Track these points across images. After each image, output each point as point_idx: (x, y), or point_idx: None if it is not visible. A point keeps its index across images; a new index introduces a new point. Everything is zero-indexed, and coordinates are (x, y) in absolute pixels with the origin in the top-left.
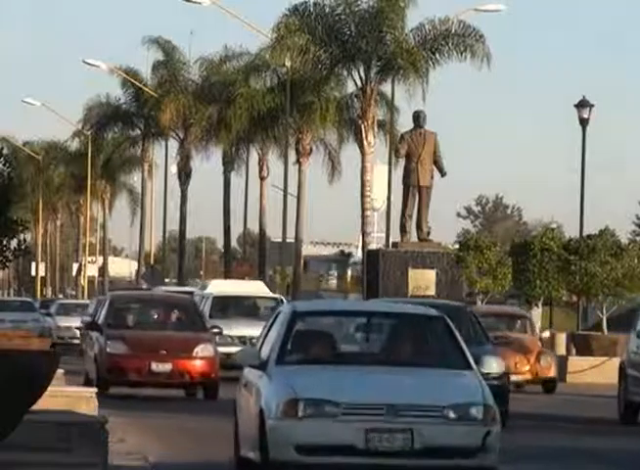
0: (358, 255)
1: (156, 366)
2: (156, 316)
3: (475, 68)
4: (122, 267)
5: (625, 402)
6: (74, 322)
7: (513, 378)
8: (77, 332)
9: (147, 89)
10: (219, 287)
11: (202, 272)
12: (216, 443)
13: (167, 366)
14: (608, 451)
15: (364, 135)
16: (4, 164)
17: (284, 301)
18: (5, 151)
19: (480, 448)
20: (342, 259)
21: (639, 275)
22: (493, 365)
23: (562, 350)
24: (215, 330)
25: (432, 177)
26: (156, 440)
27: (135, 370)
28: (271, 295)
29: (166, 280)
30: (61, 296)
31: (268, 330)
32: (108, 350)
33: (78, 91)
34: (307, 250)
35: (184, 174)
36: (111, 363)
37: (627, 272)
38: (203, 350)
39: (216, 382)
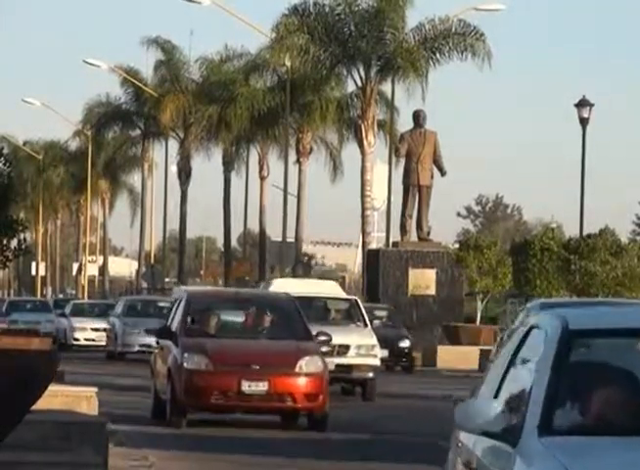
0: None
1: (247, 386)
2: (245, 321)
3: (475, 67)
4: (122, 267)
5: None
6: (90, 323)
7: None
8: (93, 333)
9: (147, 89)
10: (286, 287)
11: (202, 272)
12: (216, 442)
13: (262, 386)
14: None
15: (364, 135)
16: (4, 164)
17: (359, 303)
18: (5, 150)
19: None
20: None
21: (639, 275)
22: None
23: None
24: (322, 338)
25: (432, 177)
26: (156, 440)
27: (220, 391)
28: (345, 296)
29: (167, 280)
30: (61, 295)
31: (510, 359)
32: (185, 365)
33: (78, 91)
34: (307, 249)
35: (184, 174)
36: (189, 383)
37: (627, 272)
38: (308, 364)
39: (325, 408)
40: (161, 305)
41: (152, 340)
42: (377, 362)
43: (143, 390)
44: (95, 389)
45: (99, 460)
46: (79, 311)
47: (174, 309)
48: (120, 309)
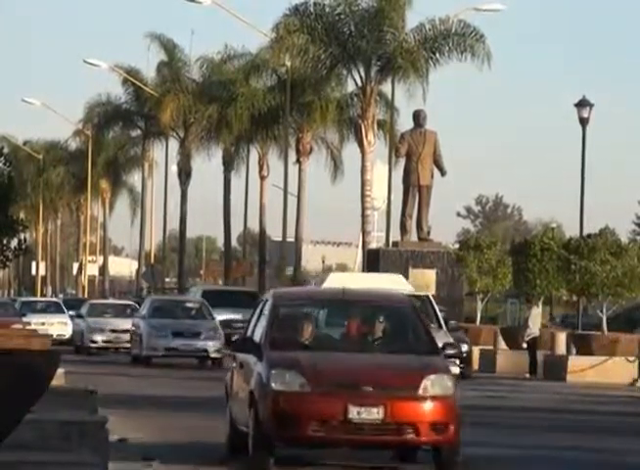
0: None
1: (356, 413)
2: (351, 328)
3: (475, 67)
4: (122, 267)
5: None
6: (108, 324)
7: None
8: (112, 335)
9: (147, 88)
10: (344, 282)
11: (202, 271)
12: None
13: (376, 413)
14: None
15: (364, 135)
16: (4, 164)
17: (432, 300)
18: (5, 150)
19: None
20: None
21: (639, 275)
22: None
23: (562, 349)
24: (451, 350)
25: (432, 177)
26: (156, 440)
27: (321, 420)
28: (415, 292)
29: (167, 279)
30: (61, 295)
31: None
32: (273, 385)
33: (78, 91)
34: (307, 249)
35: (184, 174)
36: (278, 408)
37: (627, 272)
38: (435, 384)
39: (456, 441)
40: (190, 305)
41: (180, 343)
42: (457, 370)
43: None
44: (94, 388)
45: (99, 460)
46: (97, 312)
47: (255, 314)
48: (146, 310)
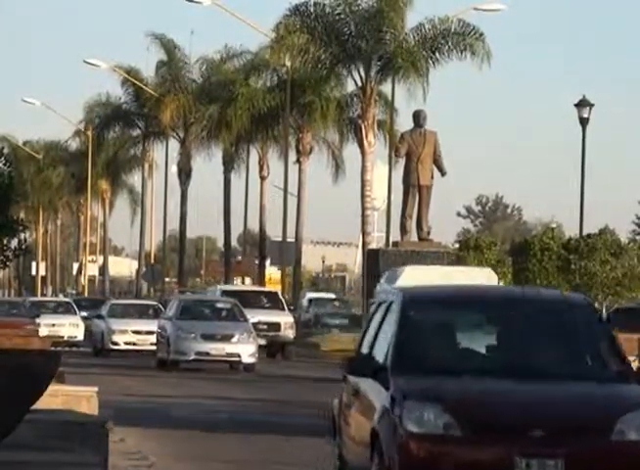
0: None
1: (524, 466)
2: (511, 343)
3: (475, 67)
4: (123, 267)
5: None
6: (130, 325)
7: None
8: (135, 336)
9: (147, 89)
10: (422, 278)
11: (202, 272)
12: (216, 441)
13: (553, 466)
14: None
15: (364, 135)
16: (4, 164)
17: None
18: (5, 150)
19: None
20: None
21: (639, 275)
22: None
23: None
24: None
25: (432, 177)
26: (156, 440)
27: None
28: None
29: (167, 279)
30: (61, 295)
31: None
32: (407, 425)
33: (78, 91)
34: (307, 249)
35: (184, 174)
36: (415, 459)
37: (627, 271)
38: (632, 427)
39: None
40: (221, 306)
41: (210, 346)
42: None
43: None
44: (95, 388)
45: (99, 460)
46: (118, 312)
47: (374, 322)
48: (173, 311)
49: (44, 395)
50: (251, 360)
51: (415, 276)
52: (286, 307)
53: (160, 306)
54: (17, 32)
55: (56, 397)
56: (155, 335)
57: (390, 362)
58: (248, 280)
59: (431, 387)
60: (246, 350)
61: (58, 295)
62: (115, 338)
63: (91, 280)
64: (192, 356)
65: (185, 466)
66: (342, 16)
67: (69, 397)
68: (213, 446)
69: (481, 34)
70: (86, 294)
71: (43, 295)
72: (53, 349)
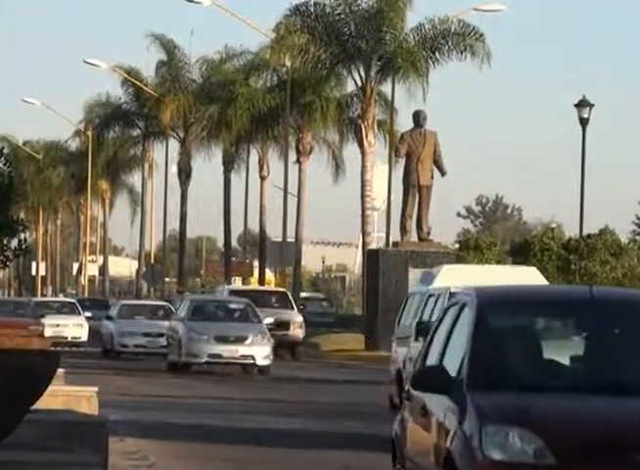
0: None
1: None
2: (604, 354)
3: (475, 67)
4: (122, 267)
5: None
6: (140, 327)
7: None
8: (144, 338)
9: (147, 89)
10: (461, 277)
11: (202, 272)
12: (217, 441)
13: None
14: None
15: (364, 135)
16: (4, 164)
17: None
18: (5, 150)
19: None
20: None
21: (639, 275)
22: None
23: None
24: None
25: (432, 177)
26: (156, 440)
27: None
28: None
29: (167, 279)
30: (61, 295)
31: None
32: (490, 452)
33: (78, 91)
34: (307, 249)
35: (184, 174)
36: None
37: (627, 272)
38: None
39: None
40: (234, 306)
41: (224, 348)
42: None
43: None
44: (95, 388)
45: (99, 460)
46: (128, 313)
47: (442, 328)
48: (185, 312)
49: (44, 395)
50: (266, 363)
51: (454, 276)
52: (295, 307)
53: (171, 307)
54: (17, 32)
55: (56, 397)
56: (165, 337)
57: (466, 375)
58: (239, 281)
59: (516, 405)
60: (260, 351)
61: (58, 295)
62: (125, 340)
63: (91, 280)
64: (204, 359)
65: (185, 466)
66: (343, 16)
67: (69, 397)
68: (214, 446)
69: (481, 35)
70: (86, 294)
71: (43, 295)
72: (54, 349)
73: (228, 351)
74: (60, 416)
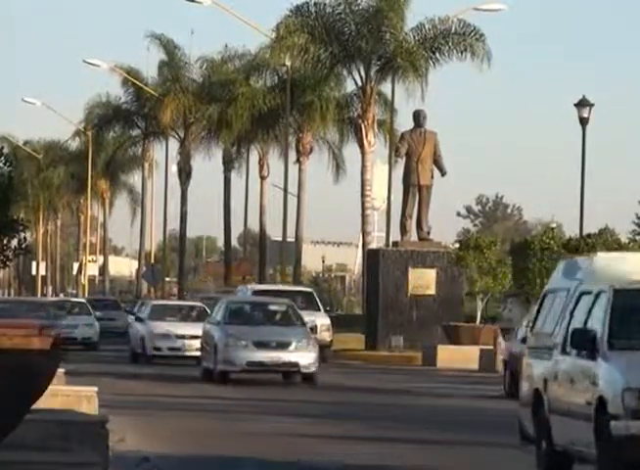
0: None
1: None
2: None
3: (475, 67)
4: (123, 267)
5: None
6: (174, 328)
7: None
8: (179, 341)
9: (147, 88)
10: (623, 267)
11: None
12: (216, 441)
13: None
14: None
15: (364, 135)
16: (4, 164)
17: None
18: (5, 150)
19: None
20: None
21: None
22: None
23: None
24: None
25: (432, 177)
26: (156, 439)
27: None
28: None
29: (167, 279)
30: (61, 295)
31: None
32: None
33: (78, 91)
34: (307, 249)
35: (184, 174)
36: None
37: None
38: None
39: None
40: (275, 308)
41: (264, 355)
42: None
43: None
44: (95, 388)
45: (99, 460)
46: (159, 315)
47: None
48: (221, 314)
49: (44, 395)
50: (312, 370)
51: (612, 267)
52: (322, 308)
53: (206, 308)
54: (17, 32)
55: (56, 397)
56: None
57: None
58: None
59: None
60: (305, 358)
61: (58, 295)
62: (158, 343)
63: (91, 280)
64: (243, 367)
65: (186, 466)
66: (343, 16)
67: (69, 397)
68: (214, 446)
69: (482, 35)
70: (86, 294)
71: (43, 295)
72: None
73: (269, 357)
74: (60, 416)
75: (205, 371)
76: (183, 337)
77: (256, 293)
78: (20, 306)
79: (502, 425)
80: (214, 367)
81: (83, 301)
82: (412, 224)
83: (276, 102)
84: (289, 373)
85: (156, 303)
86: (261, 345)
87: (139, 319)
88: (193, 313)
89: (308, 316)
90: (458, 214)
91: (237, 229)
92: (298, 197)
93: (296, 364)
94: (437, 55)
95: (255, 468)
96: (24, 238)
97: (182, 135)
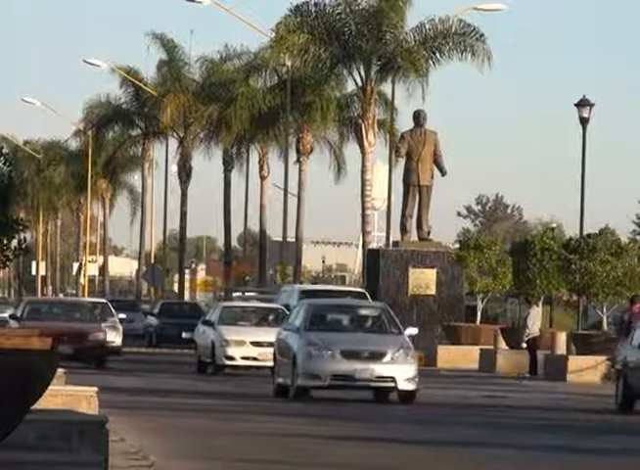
0: None
1: None
2: None
3: (475, 67)
4: (123, 267)
5: None
6: (248, 334)
7: None
8: (254, 349)
9: (147, 88)
10: None
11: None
12: (218, 441)
13: None
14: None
15: (364, 135)
16: (4, 164)
17: None
18: (5, 150)
19: None
20: None
21: (639, 275)
22: None
23: (562, 349)
24: None
25: (432, 177)
26: (156, 439)
27: None
28: None
29: (167, 279)
30: (61, 295)
31: None
32: None
33: (78, 91)
34: (307, 249)
35: (184, 173)
36: None
37: (627, 271)
38: None
39: None
40: (365, 312)
41: (354, 367)
42: None
43: None
44: (95, 388)
45: (99, 460)
46: (231, 318)
47: None
48: (300, 319)
49: (44, 395)
50: (411, 387)
51: None
52: None
53: (286, 311)
54: (17, 32)
55: (56, 397)
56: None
57: None
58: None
59: None
60: (403, 372)
61: (58, 295)
62: (230, 351)
63: (91, 280)
64: (328, 381)
65: (186, 466)
66: (343, 15)
67: (69, 397)
68: (215, 446)
69: (482, 35)
70: (86, 294)
71: (44, 295)
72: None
73: (360, 370)
74: (60, 416)
75: (279, 387)
76: (259, 344)
77: (304, 293)
78: (62, 307)
79: None
80: (292, 382)
81: (104, 301)
82: (412, 224)
83: (276, 102)
84: (382, 390)
85: (227, 304)
86: (350, 355)
87: (208, 323)
88: (270, 317)
89: None
90: (458, 214)
91: (237, 229)
92: (299, 197)
93: (392, 379)
94: (438, 55)
95: None
96: (24, 238)
97: (182, 135)
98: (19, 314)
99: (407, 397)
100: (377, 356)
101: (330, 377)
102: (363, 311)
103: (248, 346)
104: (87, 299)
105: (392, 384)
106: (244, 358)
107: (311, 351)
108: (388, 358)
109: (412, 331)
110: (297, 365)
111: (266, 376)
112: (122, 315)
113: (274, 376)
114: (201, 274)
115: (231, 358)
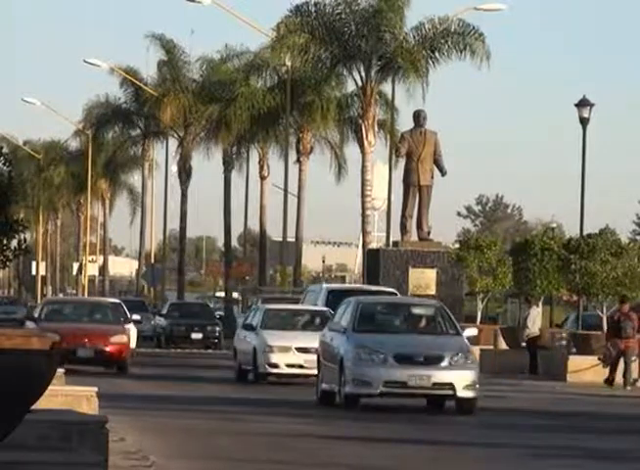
0: None
1: None
2: None
3: (474, 67)
4: (123, 267)
5: None
6: (293, 340)
7: None
8: (301, 356)
9: (147, 88)
10: None
11: (202, 271)
12: (217, 441)
13: None
14: None
15: (364, 135)
16: (4, 164)
17: None
18: (5, 150)
19: None
20: None
21: (639, 275)
22: None
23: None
24: None
25: (432, 177)
26: (156, 439)
27: None
28: None
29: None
30: (61, 295)
31: None
32: None
33: (78, 91)
34: (307, 249)
35: (184, 173)
36: None
37: (627, 272)
38: None
39: None
40: (419, 311)
41: (408, 373)
42: None
43: None
44: (95, 388)
45: (99, 460)
46: (274, 322)
47: None
48: (348, 320)
49: (44, 395)
50: (470, 394)
51: None
52: None
53: (332, 314)
54: (17, 32)
55: (56, 397)
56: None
57: None
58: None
59: None
60: (462, 378)
61: (58, 295)
62: (274, 358)
63: (91, 280)
64: (380, 388)
65: (186, 466)
66: (343, 16)
67: (69, 397)
68: (214, 446)
69: (481, 34)
70: (86, 294)
71: (43, 295)
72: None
73: (415, 376)
74: (60, 416)
75: (324, 394)
76: (306, 350)
77: (332, 293)
78: (83, 308)
79: None
80: (339, 389)
81: (118, 301)
82: (412, 224)
83: (276, 102)
84: (438, 398)
85: (270, 307)
86: (404, 359)
87: (249, 327)
88: (316, 320)
89: None
90: (458, 214)
91: (237, 229)
92: (299, 197)
93: (450, 386)
94: (437, 55)
95: None
96: (24, 238)
97: (182, 135)
98: (36, 315)
99: (466, 405)
100: (433, 361)
101: (382, 384)
102: (417, 310)
103: (293, 352)
104: (107, 299)
105: (451, 391)
106: (289, 366)
107: (361, 354)
108: (445, 363)
109: (472, 332)
110: (345, 371)
111: (311, 384)
112: (136, 316)
113: (318, 381)
114: (188, 276)
115: (275, 366)
